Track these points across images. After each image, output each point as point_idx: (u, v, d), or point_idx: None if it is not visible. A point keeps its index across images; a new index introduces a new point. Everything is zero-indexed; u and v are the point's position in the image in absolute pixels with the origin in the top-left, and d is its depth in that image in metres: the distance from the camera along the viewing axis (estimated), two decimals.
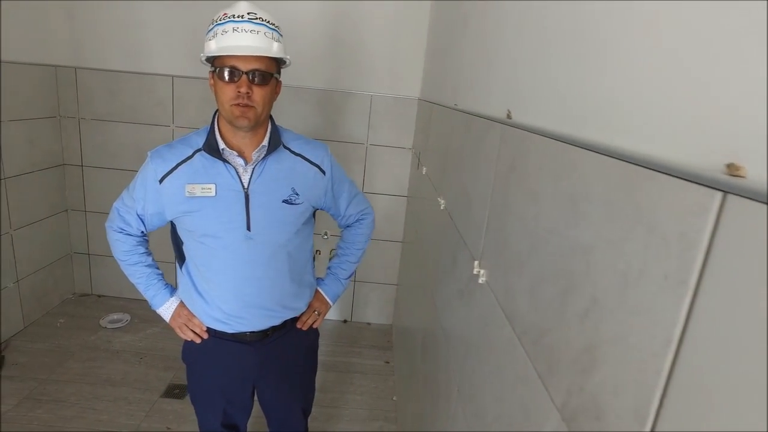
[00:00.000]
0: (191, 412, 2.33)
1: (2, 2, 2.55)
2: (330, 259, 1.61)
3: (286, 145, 1.35)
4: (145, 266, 1.44)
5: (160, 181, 1.27)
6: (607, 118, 0.58)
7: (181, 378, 2.60)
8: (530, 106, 0.88)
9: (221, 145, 1.27)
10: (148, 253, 1.47)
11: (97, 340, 2.88)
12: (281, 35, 1.24)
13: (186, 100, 3.01)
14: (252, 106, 1.20)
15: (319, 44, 2.85)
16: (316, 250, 3.17)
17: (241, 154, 1.29)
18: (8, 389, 2.41)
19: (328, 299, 1.56)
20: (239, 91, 1.18)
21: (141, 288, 1.45)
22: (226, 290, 1.34)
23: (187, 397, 2.45)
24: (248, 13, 1.18)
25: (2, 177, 2.66)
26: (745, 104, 0.37)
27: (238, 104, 1.19)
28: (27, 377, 2.50)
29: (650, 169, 0.44)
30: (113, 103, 3.04)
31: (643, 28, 0.53)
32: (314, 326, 1.54)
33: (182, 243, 1.36)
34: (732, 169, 0.36)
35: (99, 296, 3.39)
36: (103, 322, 3.06)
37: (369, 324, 3.35)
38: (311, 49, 2.85)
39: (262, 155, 1.29)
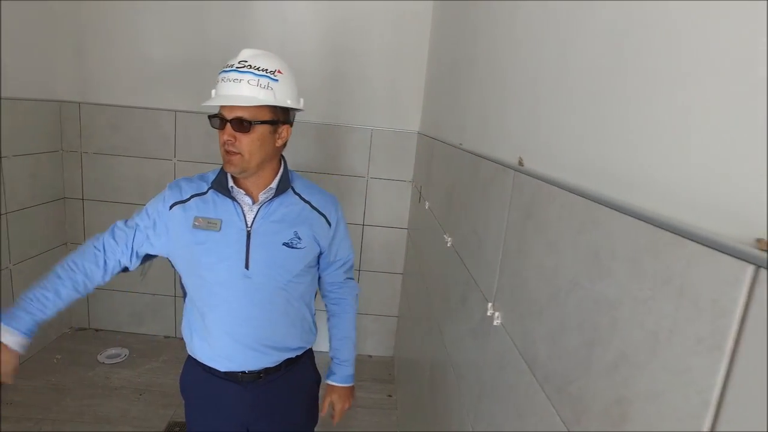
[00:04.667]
0: None
1: (13, 41, 2.60)
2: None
3: (295, 190, 1.39)
4: (50, 286, 1.27)
5: (170, 207, 1.32)
6: (631, 178, 0.62)
7: (182, 415, 2.56)
8: (545, 156, 0.91)
9: (230, 183, 1.33)
10: (73, 287, 1.30)
11: (94, 377, 2.84)
12: (276, 80, 1.25)
13: (189, 135, 3.05)
14: (237, 153, 1.24)
15: (319, 78, 2.92)
16: None
17: (249, 194, 1.33)
18: (3, 431, 2.36)
19: (341, 384, 1.54)
20: (224, 138, 1.24)
21: (22, 295, 1.26)
22: (219, 327, 1.34)
23: None
24: (240, 62, 1.23)
25: (4, 211, 2.66)
26: None
27: (226, 150, 1.25)
28: (22, 417, 2.45)
29: (680, 235, 0.47)
30: (116, 137, 3.08)
31: (673, 87, 0.57)
32: (334, 419, 1.56)
33: (181, 277, 1.40)
34: (761, 244, 0.39)
35: (96, 330, 3.35)
36: (101, 357, 3.02)
37: (370, 356, 3.33)
38: (312, 84, 2.91)
39: (269, 197, 1.33)
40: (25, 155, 2.79)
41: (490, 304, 1.07)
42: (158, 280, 3.26)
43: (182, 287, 1.44)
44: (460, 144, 1.66)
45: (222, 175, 1.34)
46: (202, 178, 1.38)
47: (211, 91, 1.29)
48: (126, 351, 3.11)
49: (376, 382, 3.03)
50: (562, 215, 0.76)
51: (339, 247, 1.47)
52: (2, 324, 1.20)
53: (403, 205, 3.06)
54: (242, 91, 1.21)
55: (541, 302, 0.80)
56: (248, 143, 1.24)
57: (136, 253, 1.36)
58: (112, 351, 3.09)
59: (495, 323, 1.03)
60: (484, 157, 1.29)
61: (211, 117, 1.27)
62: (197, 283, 1.34)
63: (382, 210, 3.08)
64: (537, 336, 0.81)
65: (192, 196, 1.33)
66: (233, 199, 1.31)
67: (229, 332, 1.34)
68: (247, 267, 1.31)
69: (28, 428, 2.38)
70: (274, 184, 1.34)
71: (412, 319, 2.59)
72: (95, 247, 1.34)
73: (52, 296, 1.27)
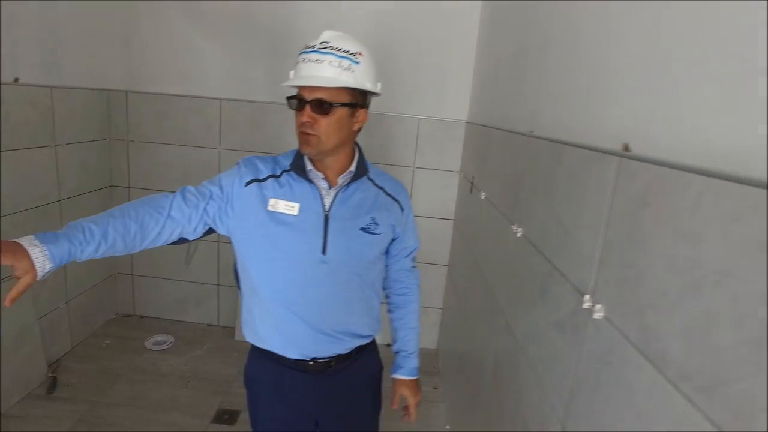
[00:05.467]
0: None
1: (65, 31, 2.62)
2: (392, 344, 1.56)
3: (369, 176, 1.38)
4: (101, 223, 1.11)
5: (246, 184, 1.27)
6: None
7: (230, 403, 2.59)
8: (659, 141, 0.86)
9: (308, 166, 1.30)
10: (123, 237, 1.13)
11: (143, 363, 2.88)
12: (357, 62, 1.21)
13: (233, 123, 3.05)
14: (314, 135, 1.21)
15: None
16: None
17: (326, 178, 1.31)
18: (62, 411, 2.42)
19: (410, 377, 1.52)
20: (302, 120, 1.21)
21: (71, 223, 1.10)
22: (292, 313, 1.31)
23: (237, 423, 2.44)
24: (321, 43, 1.20)
25: (56, 199, 2.71)
26: None
27: (303, 132, 1.22)
28: (79, 399, 2.51)
29: None
30: (162, 125, 3.10)
31: None
32: (411, 414, 1.56)
33: (237, 263, 1.37)
34: None
35: (141, 317, 3.40)
36: (147, 344, 3.06)
37: None
38: None
39: (348, 180, 1.32)
40: (76, 143, 2.83)
41: (586, 296, 1.02)
42: (202, 268, 3.29)
43: (236, 275, 1.42)
44: (531, 132, 1.60)
45: (299, 157, 1.31)
46: (275, 160, 1.35)
47: (290, 72, 1.26)
48: (171, 338, 3.15)
49: (420, 374, 2.99)
50: (701, 203, 0.71)
51: (409, 233, 1.47)
52: (40, 241, 0.98)
53: (449, 196, 3.01)
54: (324, 72, 1.18)
55: (671, 295, 0.75)
56: (326, 125, 1.21)
57: (204, 222, 1.27)
58: (158, 338, 3.14)
59: (595, 316, 0.98)
60: (571, 144, 1.23)
61: (289, 98, 1.25)
62: (267, 268, 1.31)
63: (429, 200, 3.04)
64: (665, 331, 0.76)
65: (268, 177, 1.30)
66: (310, 182, 1.29)
67: (303, 318, 1.31)
68: (324, 252, 1.28)
69: (85, 410, 2.43)
70: (353, 167, 1.32)
71: (461, 311, 2.55)
72: (160, 204, 1.20)
73: (98, 236, 1.08)
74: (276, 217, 1.27)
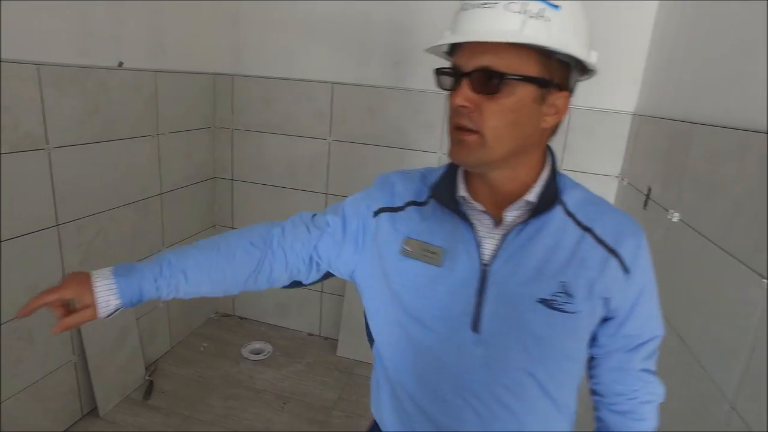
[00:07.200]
0: None
1: (169, 10, 2.39)
2: None
3: (568, 207, 0.80)
4: (204, 248, 0.89)
5: (375, 214, 0.88)
6: None
7: None
8: None
9: (460, 190, 0.82)
10: (233, 279, 0.89)
11: (239, 374, 2.64)
12: (555, 6, 0.68)
13: (346, 111, 2.66)
14: (475, 131, 0.72)
15: None
16: None
17: (488, 210, 0.81)
18: (156, 423, 2.24)
19: None
20: (455, 103, 0.71)
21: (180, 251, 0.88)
22: (417, 407, 0.87)
23: None
24: None
25: (158, 192, 2.51)
26: None
27: (457, 126, 0.73)
28: (172, 411, 2.32)
29: None
30: (267, 112, 2.80)
31: None
32: None
33: (366, 315, 0.96)
34: None
35: (241, 318, 3.19)
36: (244, 352, 2.83)
37: None
38: None
39: (524, 216, 0.79)
40: (179, 132, 2.61)
41: None
42: None
43: (367, 327, 1.01)
44: None
45: (447, 175, 0.85)
46: (424, 177, 0.90)
47: (444, 33, 0.77)
48: (269, 347, 2.89)
49: None
50: None
51: (639, 312, 0.83)
52: (112, 273, 0.81)
53: None
54: (496, 23, 0.68)
55: None
56: (496, 114, 0.70)
57: (316, 264, 0.93)
58: (256, 345, 2.89)
59: None
60: None
61: (439, 72, 0.76)
62: (393, 334, 0.88)
63: None
64: None
65: (408, 204, 0.87)
66: (463, 216, 0.81)
67: (434, 420, 0.85)
68: (475, 329, 0.80)
69: (177, 425, 2.24)
70: (533, 196, 0.79)
71: None
72: (262, 236, 0.91)
73: (178, 272, 0.84)
74: (410, 265, 0.83)
